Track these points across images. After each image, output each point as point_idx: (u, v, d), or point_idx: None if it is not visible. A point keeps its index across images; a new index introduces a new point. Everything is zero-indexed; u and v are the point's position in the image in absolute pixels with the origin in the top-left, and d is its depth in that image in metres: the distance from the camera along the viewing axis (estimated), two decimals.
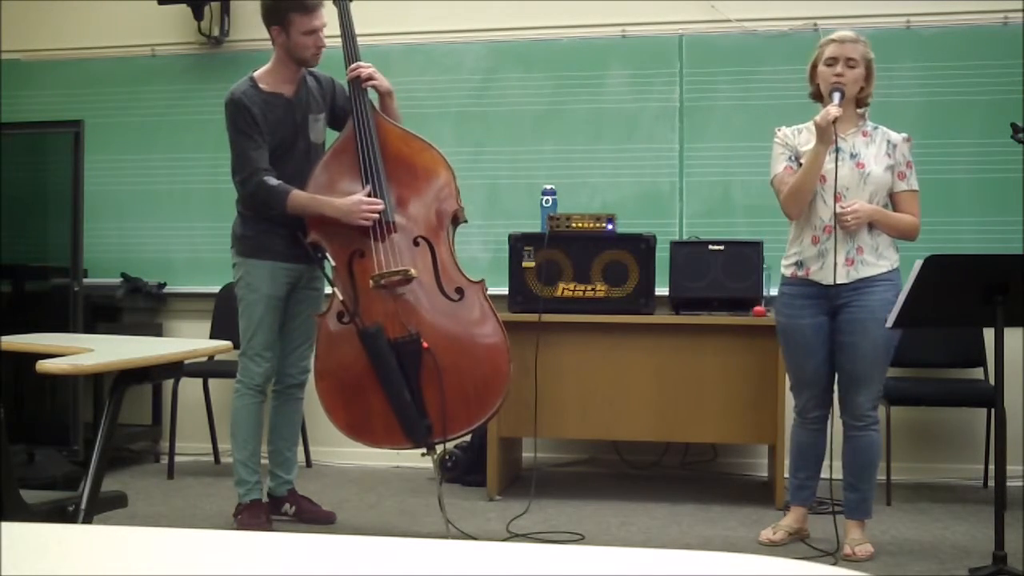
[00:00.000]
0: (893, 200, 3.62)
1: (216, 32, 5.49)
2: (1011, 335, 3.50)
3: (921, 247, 3.67)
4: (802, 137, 3.65)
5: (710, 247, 4.54)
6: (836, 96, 3.50)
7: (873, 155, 3.57)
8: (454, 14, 5.29)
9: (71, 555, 0.94)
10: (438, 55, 5.31)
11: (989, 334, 3.69)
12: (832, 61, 3.55)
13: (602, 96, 5.19)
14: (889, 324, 3.34)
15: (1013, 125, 3.64)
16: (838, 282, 3.54)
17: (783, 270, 3.71)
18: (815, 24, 4.92)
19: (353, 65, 3.84)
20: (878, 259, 3.55)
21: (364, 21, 4.94)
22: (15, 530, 0.99)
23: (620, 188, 5.15)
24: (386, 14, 5.24)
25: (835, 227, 3.53)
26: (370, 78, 3.82)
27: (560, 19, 5.20)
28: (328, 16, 3.85)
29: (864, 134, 3.61)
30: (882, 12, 4.94)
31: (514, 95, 5.26)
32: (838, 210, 3.50)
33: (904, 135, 3.63)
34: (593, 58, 5.20)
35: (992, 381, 4.02)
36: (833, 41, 3.59)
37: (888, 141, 3.60)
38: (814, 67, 3.63)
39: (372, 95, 3.92)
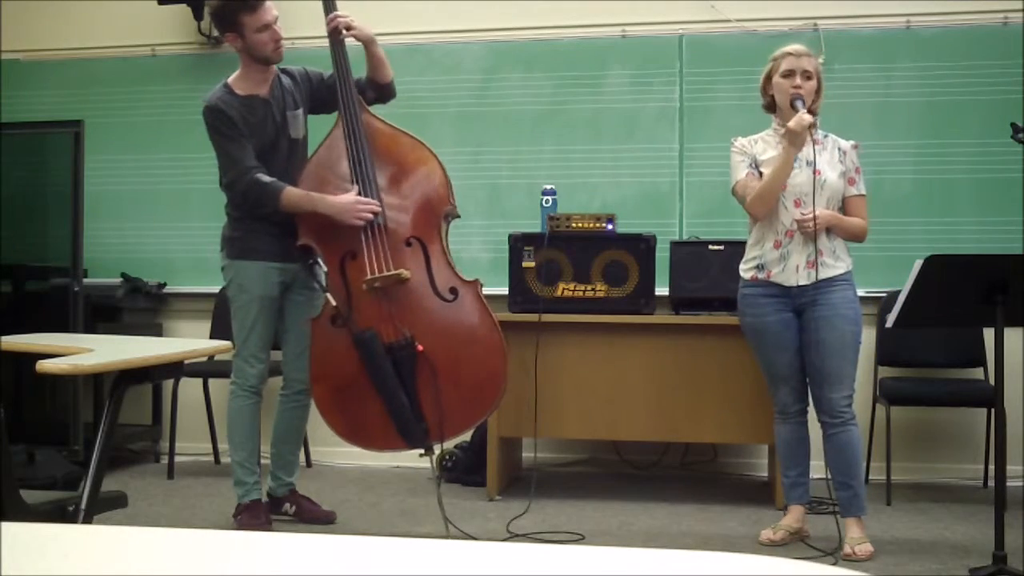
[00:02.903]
0: (844, 204, 3.72)
1: (216, 32, 5.49)
2: (1011, 335, 3.50)
3: (921, 247, 3.68)
4: (758, 147, 3.76)
5: (710, 247, 4.54)
6: (800, 104, 3.60)
7: (827, 162, 3.67)
8: (454, 14, 5.29)
9: (71, 555, 0.94)
10: (438, 55, 5.31)
11: (989, 334, 3.69)
12: (789, 73, 3.65)
13: (602, 96, 5.19)
14: (889, 324, 3.37)
15: (1013, 125, 3.64)
16: (800, 283, 3.65)
17: (743, 274, 3.79)
18: (815, 24, 4.92)
19: (330, 16, 3.78)
20: (836, 261, 3.67)
21: (364, 21, 4.94)
22: (15, 530, 0.99)
23: (620, 188, 5.15)
24: (386, 14, 5.24)
25: (797, 231, 3.64)
26: (348, 27, 3.76)
27: (560, 19, 5.20)
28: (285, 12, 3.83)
29: (816, 142, 3.68)
30: (882, 12, 4.94)
31: (514, 95, 5.26)
32: (798, 216, 3.62)
33: (852, 142, 3.74)
34: (593, 58, 5.20)
35: (992, 381, 4.02)
36: (789, 54, 3.68)
37: (839, 148, 3.72)
38: (767, 80, 3.74)
39: (363, 85, 3.91)
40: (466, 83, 5.30)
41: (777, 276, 3.68)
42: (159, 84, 5.58)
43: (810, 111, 3.64)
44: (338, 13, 3.79)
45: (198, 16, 5.45)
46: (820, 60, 3.75)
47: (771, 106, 3.75)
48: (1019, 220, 4.75)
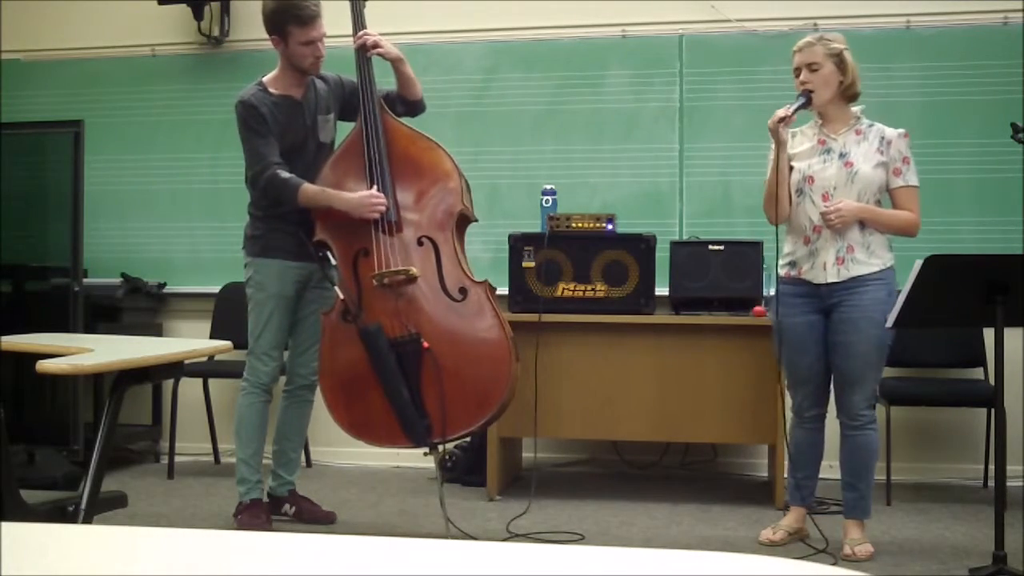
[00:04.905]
0: (891, 197, 3.62)
1: (216, 32, 5.49)
2: (1011, 335, 3.50)
3: (921, 247, 3.67)
4: (795, 141, 3.69)
5: (710, 247, 4.54)
6: (800, 100, 3.58)
7: (863, 153, 3.58)
8: (454, 14, 5.29)
9: (71, 555, 0.94)
10: (438, 55, 5.31)
11: (989, 334, 3.69)
12: (796, 71, 3.62)
13: (602, 96, 5.19)
14: (889, 324, 3.34)
15: (1013, 125, 3.64)
16: (829, 281, 3.57)
17: (779, 270, 3.73)
18: (815, 24, 4.92)
19: (359, 33, 3.85)
20: (869, 257, 3.56)
21: (368, 21, 4.95)
22: (15, 530, 0.99)
23: (620, 188, 5.15)
24: (387, 14, 5.23)
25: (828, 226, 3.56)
26: (375, 46, 3.83)
27: (560, 19, 5.20)
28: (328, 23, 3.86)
29: (857, 132, 3.62)
30: (882, 12, 4.94)
31: (514, 95, 5.26)
32: (822, 209, 3.55)
33: (901, 131, 3.62)
34: (593, 58, 5.20)
35: (992, 381, 4.02)
36: (794, 52, 3.64)
37: (882, 138, 3.60)
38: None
39: (388, 82, 3.93)
40: (466, 83, 5.30)
41: (807, 273, 3.61)
42: (159, 84, 5.58)
43: (847, 96, 3.59)
44: (367, 31, 3.85)
45: (198, 16, 5.45)
46: (834, 43, 3.60)
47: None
48: (1019, 220, 4.75)
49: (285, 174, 3.78)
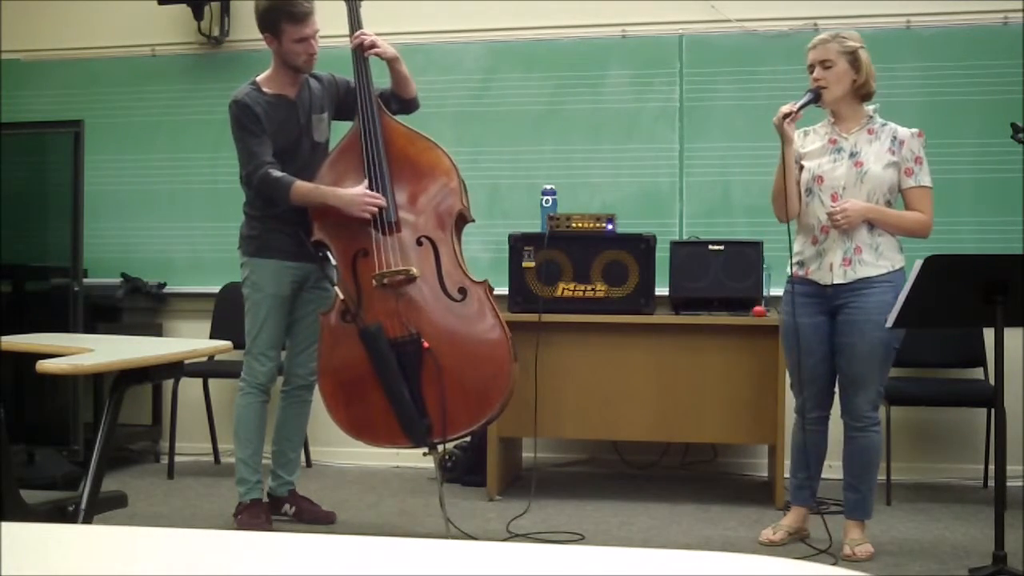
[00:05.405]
0: (903, 197, 3.60)
1: (216, 32, 5.49)
2: (1011, 335, 3.50)
3: (921, 247, 3.66)
4: (807, 139, 3.67)
5: (710, 247, 4.54)
6: (807, 96, 3.56)
7: (874, 153, 3.56)
8: (454, 14, 5.29)
9: (71, 555, 0.94)
10: (438, 55, 5.31)
11: (989, 334, 3.68)
12: (810, 68, 3.60)
13: (602, 96, 5.19)
14: (889, 324, 3.34)
15: (1013, 125, 3.63)
16: (835, 282, 3.55)
17: (788, 269, 3.71)
18: (815, 24, 4.92)
19: (356, 33, 3.86)
20: (878, 259, 3.54)
21: (364, 21, 4.94)
22: (15, 530, 0.99)
23: (620, 188, 5.15)
24: (386, 14, 5.24)
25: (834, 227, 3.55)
26: (372, 46, 3.83)
27: (560, 19, 5.20)
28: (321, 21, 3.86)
29: (869, 131, 3.60)
30: (882, 12, 4.94)
31: (514, 95, 5.26)
32: (828, 209, 3.53)
33: (915, 130, 3.59)
34: (593, 58, 5.20)
35: (992, 381, 4.02)
36: (808, 49, 3.62)
37: (894, 138, 3.57)
38: None
39: (383, 81, 3.94)
40: (465, 83, 5.30)
41: (814, 274, 3.59)
42: (159, 84, 5.58)
43: (860, 95, 3.58)
44: (363, 31, 3.85)
45: (198, 16, 5.45)
46: (849, 41, 3.57)
47: None
48: (1019, 220, 4.75)
49: (277, 173, 3.78)
